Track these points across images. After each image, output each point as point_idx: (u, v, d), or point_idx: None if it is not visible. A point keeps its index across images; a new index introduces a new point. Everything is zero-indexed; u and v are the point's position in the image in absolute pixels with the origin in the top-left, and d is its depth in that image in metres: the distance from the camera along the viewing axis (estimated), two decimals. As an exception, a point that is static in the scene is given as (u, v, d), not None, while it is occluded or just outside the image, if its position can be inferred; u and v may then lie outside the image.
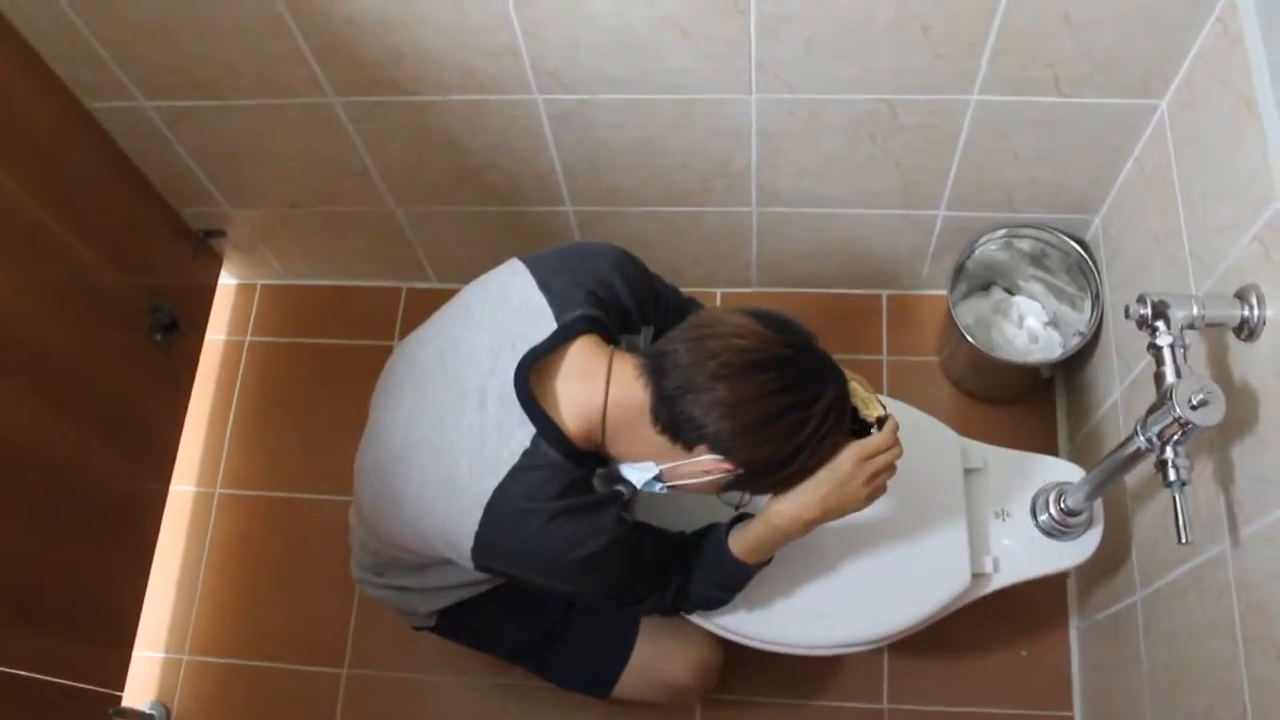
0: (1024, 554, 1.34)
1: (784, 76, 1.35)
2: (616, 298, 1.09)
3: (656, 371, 0.98)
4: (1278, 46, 1.02)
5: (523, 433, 0.99)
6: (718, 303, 1.95)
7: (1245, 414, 1.05)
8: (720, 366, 0.95)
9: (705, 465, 1.00)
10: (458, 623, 1.36)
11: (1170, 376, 1.03)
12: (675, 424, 0.97)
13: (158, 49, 1.39)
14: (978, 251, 1.69)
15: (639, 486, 1.06)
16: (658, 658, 1.36)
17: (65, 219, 1.47)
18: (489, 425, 1.00)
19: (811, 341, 1.01)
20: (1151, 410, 1.05)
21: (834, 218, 1.68)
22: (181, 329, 1.76)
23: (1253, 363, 1.05)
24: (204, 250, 1.88)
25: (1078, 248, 1.62)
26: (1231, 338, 1.07)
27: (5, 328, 1.35)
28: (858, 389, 1.07)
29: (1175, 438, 1.03)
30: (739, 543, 1.15)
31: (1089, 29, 1.23)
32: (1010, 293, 1.82)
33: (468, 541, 1.01)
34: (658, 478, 1.04)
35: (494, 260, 1.14)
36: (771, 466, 1.01)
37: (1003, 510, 1.36)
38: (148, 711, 1.77)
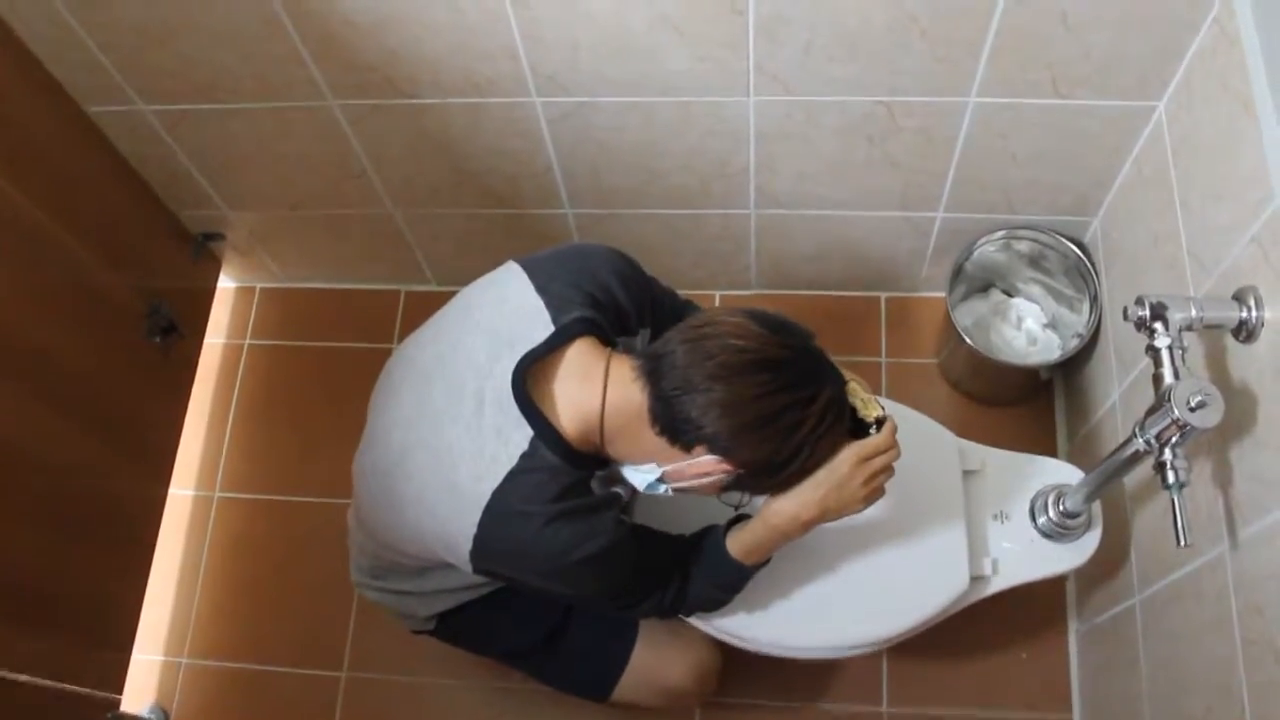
0: (1023, 556, 1.33)
1: (782, 78, 1.35)
2: (614, 300, 1.09)
3: (654, 373, 0.98)
4: (1275, 48, 1.01)
5: (520, 435, 0.99)
6: (717, 304, 1.95)
7: (1244, 415, 1.05)
8: (717, 367, 0.95)
9: (704, 466, 1.00)
10: (457, 626, 1.36)
11: (1169, 378, 1.03)
12: (673, 425, 0.97)
13: (156, 53, 1.39)
14: (976, 253, 1.69)
15: (641, 489, 1.06)
16: (657, 661, 1.36)
17: (64, 222, 1.47)
18: (487, 428, 1.00)
19: (809, 341, 1.01)
20: (1150, 412, 1.04)
21: (833, 220, 1.68)
22: (180, 332, 1.76)
23: (1251, 364, 1.05)
24: (203, 253, 1.89)
25: (1076, 249, 1.62)
26: (1230, 339, 1.07)
27: (4, 331, 1.35)
28: (856, 389, 1.07)
29: (1174, 439, 1.03)
30: (737, 543, 1.15)
31: (1087, 31, 1.23)
32: (1009, 295, 1.82)
33: (466, 544, 1.01)
34: (660, 479, 1.04)
35: (493, 262, 1.14)
36: (770, 467, 1.01)
37: (1001, 512, 1.36)
38: (147, 715, 1.76)
